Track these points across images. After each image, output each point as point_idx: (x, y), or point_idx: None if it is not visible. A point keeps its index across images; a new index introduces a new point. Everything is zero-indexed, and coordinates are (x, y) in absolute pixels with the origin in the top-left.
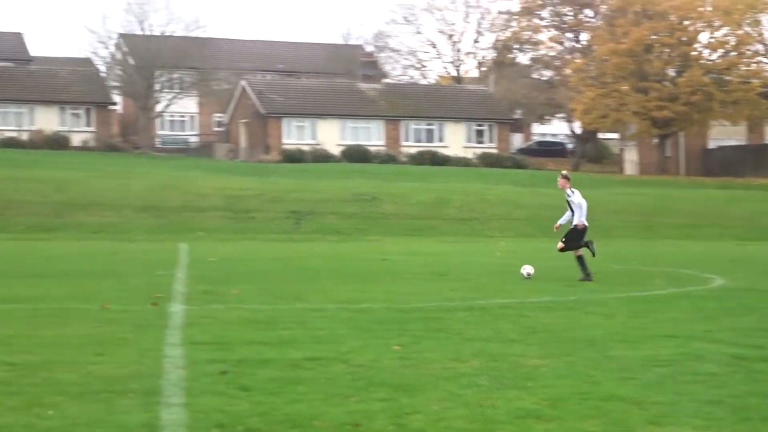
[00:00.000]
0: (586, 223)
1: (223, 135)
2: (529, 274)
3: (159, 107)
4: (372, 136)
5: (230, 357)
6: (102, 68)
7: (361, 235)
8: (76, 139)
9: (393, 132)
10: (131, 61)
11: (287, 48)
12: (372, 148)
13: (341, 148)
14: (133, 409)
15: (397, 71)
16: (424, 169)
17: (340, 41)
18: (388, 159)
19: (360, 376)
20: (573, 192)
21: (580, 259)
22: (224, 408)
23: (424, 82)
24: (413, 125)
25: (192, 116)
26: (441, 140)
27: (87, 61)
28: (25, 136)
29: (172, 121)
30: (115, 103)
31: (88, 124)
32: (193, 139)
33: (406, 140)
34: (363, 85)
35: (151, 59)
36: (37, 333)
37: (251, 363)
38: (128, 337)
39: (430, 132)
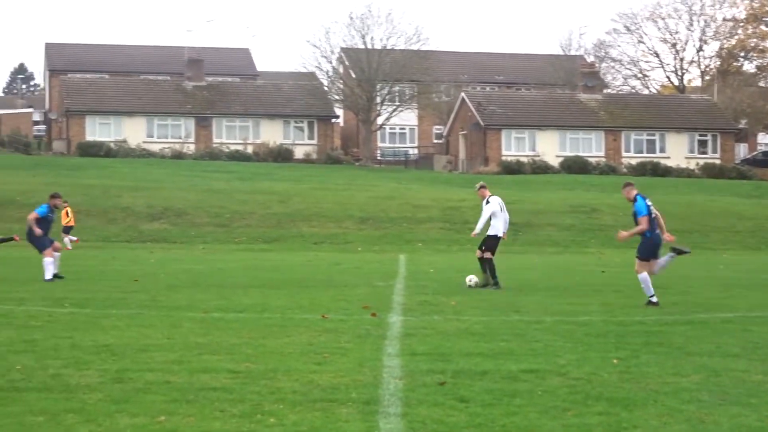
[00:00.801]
0: (477, 232)
1: (442, 147)
2: (472, 282)
3: (380, 120)
4: (592, 147)
5: (448, 368)
6: (324, 82)
7: (579, 247)
8: (299, 152)
9: (613, 143)
10: (353, 75)
11: (506, 59)
12: (592, 159)
13: (560, 160)
14: (351, 418)
15: (618, 81)
16: (644, 180)
17: (559, 52)
18: (608, 170)
19: (577, 389)
20: (488, 201)
21: (488, 262)
22: (442, 419)
23: (645, 92)
24: (634, 136)
25: (412, 128)
26: (663, 151)
27: (310, 76)
28: (250, 149)
29: (392, 134)
30: (337, 116)
31: (311, 137)
32: (413, 151)
33: (627, 151)
34: (583, 96)
35: (372, 72)
36: (260, 342)
37: (469, 374)
38: (348, 347)
39: (651, 143)
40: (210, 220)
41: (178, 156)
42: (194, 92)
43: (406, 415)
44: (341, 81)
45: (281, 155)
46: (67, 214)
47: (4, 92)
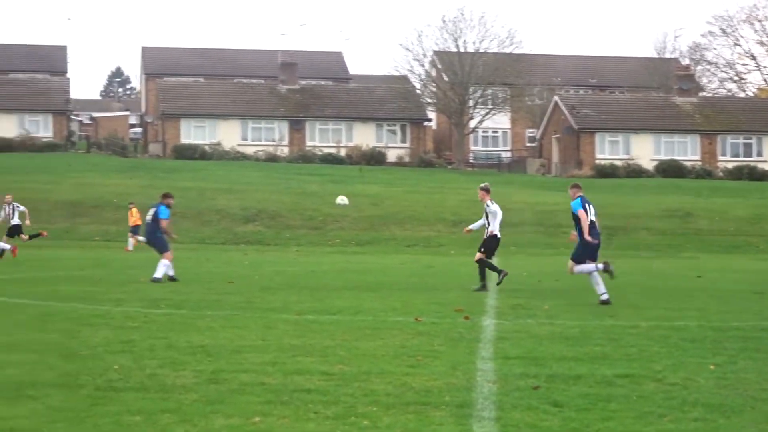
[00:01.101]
0: (496, 232)
1: (535, 150)
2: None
3: (472, 123)
4: (687, 150)
5: (542, 372)
6: (417, 85)
7: (674, 252)
8: (391, 155)
9: (709, 146)
10: (446, 78)
11: (600, 62)
12: (687, 163)
13: (655, 163)
14: (445, 421)
15: (713, 84)
16: (741, 184)
17: (654, 54)
18: (704, 174)
19: (673, 395)
20: (491, 203)
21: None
22: (536, 423)
23: (741, 95)
24: (730, 139)
25: (504, 131)
26: (759, 155)
27: (403, 79)
28: (343, 152)
29: (485, 137)
30: (429, 120)
31: (404, 140)
32: (506, 154)
33: (723, 155)
34: (678, 99)
35: (465, 76)
36: (353, 344)
37: (563, 378)
38: (441, 350)
39: (747, 146)
40: (303, 222)
41: (272, 159)
42: (288, 95)
43: (499, 419)
44: (434, 84)
45: (374, 158)
46: (132, 214)
47: (101, 95)
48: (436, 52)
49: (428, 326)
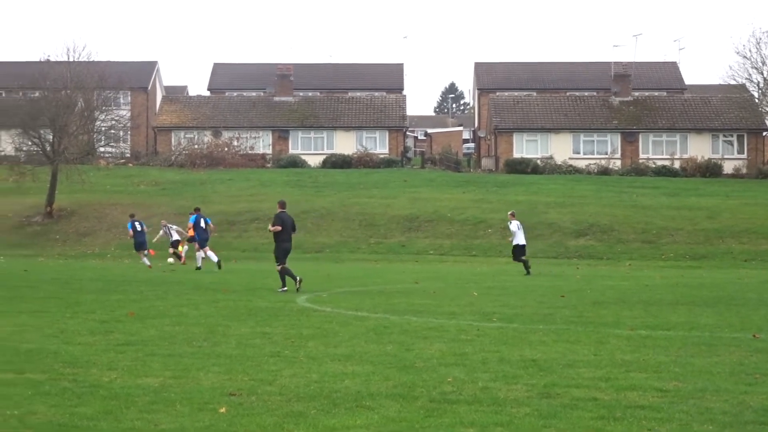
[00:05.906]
0: None
1: None
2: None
3: None
4: None
5: None
6: (755, 94)
7: None
8: (727, 167)
9: None
10: None
11: None
12: None
13: None
14: None
15: None
16: None
17: None
18: None
19: None
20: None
21: None
22: None
23: None
24: None
25: None
26: None
27: (740, 88)
28: (677, 165)
29: None
30: (767, 129)
31: (741, 151)
32: None
33: None
34: None
35: None
36: (688, 360)
37: None
38: None
39: None
40: (636, 236)
41: (604, 172)
42: (621, 107)
43: None
44: None
45: (709, 170)
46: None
47: (435, 111)
48: None
49: (767, 343)
